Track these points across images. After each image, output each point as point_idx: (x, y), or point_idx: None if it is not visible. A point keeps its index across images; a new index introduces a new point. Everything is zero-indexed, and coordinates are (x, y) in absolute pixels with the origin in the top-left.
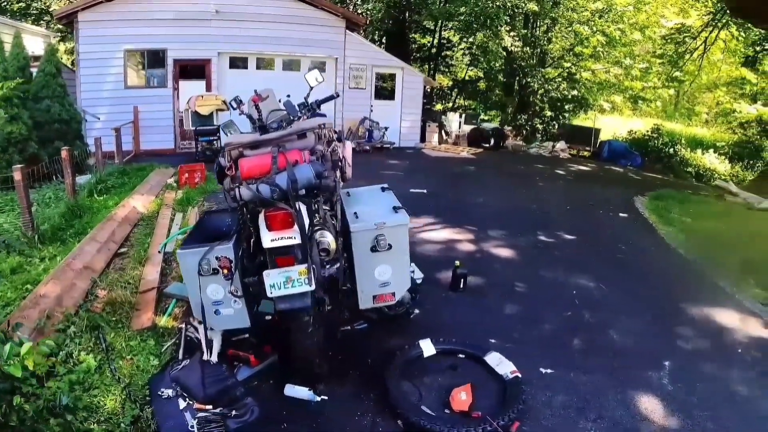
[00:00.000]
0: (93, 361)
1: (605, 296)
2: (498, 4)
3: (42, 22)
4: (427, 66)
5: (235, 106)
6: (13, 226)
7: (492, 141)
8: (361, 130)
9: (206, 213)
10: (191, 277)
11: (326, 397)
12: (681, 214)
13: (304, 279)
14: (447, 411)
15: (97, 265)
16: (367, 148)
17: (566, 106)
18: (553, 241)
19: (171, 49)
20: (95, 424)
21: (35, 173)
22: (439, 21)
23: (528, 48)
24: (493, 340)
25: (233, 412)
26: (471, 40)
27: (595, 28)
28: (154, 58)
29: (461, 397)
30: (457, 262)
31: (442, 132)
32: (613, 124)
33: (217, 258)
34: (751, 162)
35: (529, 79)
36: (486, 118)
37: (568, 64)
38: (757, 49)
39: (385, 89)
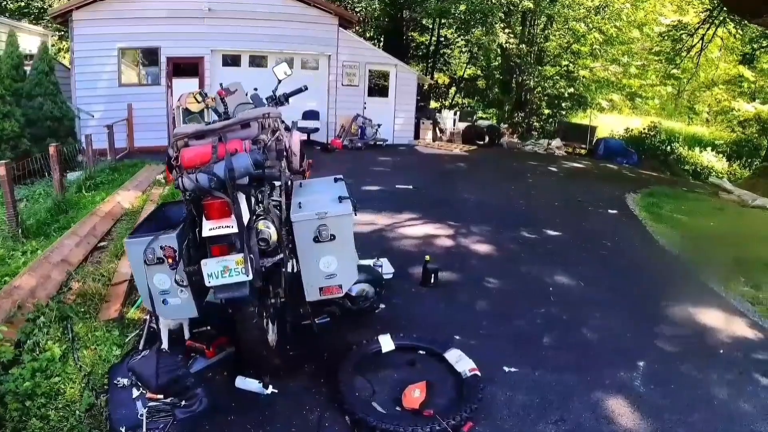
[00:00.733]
0: (58, 350)
1: (583, 293)
2: (493, 0)
3: (42, 21)
4: (424, 64)
5: (200, 99)
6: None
7: (487, 138)
8: (354, 127)
9: (163, 204)
10: (138, 266)
11: (276, 391)
12: (673, 211)
13: (241, 269)
14: (398, 408)
15: (74, 259)
16: (360, 145)
17: (563, 104)
18: (536, 237)
19: (164, 47)
20: (53, 411)
21: (26, 169)
22: (437, 19)
23: (525, 46)
24: (457, 337)
25: (183, 402)
26: (468, 37)
27: (591, 26)
28: (148, 56)
29: (414, 395)
30: (428, 257)
31: (437, 129)
32: (612, 123)
33: (161, 247)
34: (750, 160)
35: (525, 77)
36: (484, 116)
37: (566, 62)
38: (755, 46)
39: (378, 87)
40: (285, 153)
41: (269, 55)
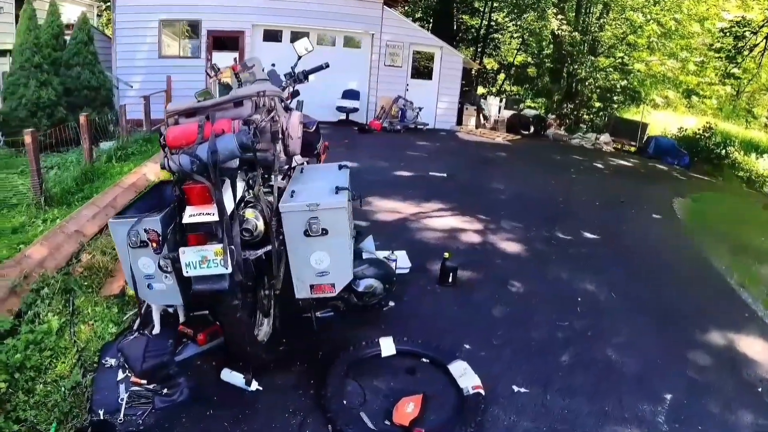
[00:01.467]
0: (56, 323)
1: (613, 307)
2: None
3: None
4: (474, 48)
5: (212, 74)
6: (27, 188)
7: (531, 128)
8: (394, 109)
9: (162, 182)
10: (122, 248)
11: (261, 388)
12: (723, 221)
13: (219, 260)
14: (387, 422)
15: (89, 230)
16: (399, 127)
17: (615, 98)
18: (570, 239)
19: (205, 19)
20: (41, 385)
21: (61, 136)
22: (488, 1)
23: (578, 34)
24: (467, 346)
25: (164, 390)
26: (519, 23)
27: (649, 17)
28: (189, 29)
29: (407, 409)
30: (447, 254)
31: (480, 116)
32: (665, 120)
33: (145, 230)
34: None
35: (577, 67)
36: (531, 105)
37: (621, 54)
38: None
39: (422, 68)
40: (282, 135)
41: (311, 32)
